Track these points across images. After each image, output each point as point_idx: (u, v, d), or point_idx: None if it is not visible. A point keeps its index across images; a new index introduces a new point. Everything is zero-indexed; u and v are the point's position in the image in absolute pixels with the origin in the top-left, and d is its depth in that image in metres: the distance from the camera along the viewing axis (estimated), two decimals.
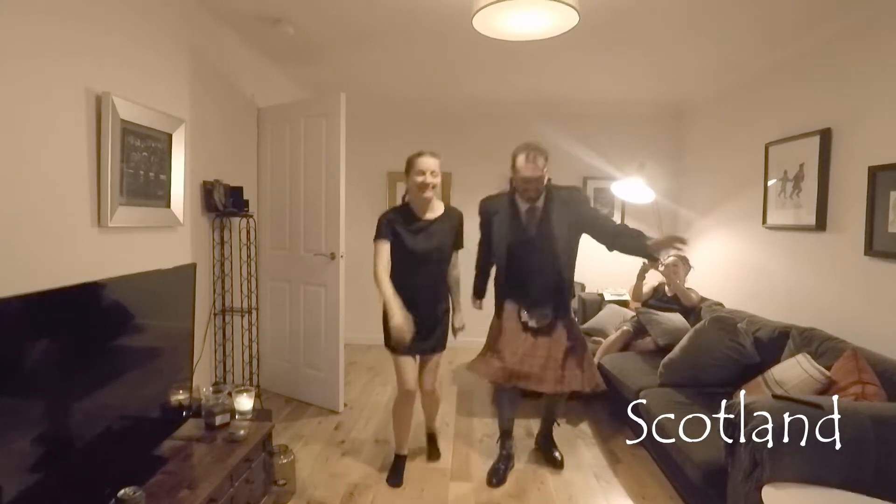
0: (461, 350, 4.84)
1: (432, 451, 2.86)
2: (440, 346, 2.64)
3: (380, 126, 5.15)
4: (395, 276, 2.44)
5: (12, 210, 1.70)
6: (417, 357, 2.61)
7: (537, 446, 2.93)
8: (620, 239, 2.51)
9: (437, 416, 2.91)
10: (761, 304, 3.35)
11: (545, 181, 2.52)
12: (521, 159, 2.49)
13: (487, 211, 2.67)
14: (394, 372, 2.58)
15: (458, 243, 2.61)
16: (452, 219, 2.57)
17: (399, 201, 2.64)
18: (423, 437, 2.93)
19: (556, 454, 2.79)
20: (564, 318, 2.61)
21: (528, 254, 2.56)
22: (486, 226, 2.68)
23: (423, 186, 2.41)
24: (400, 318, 2.32)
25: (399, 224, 2.47)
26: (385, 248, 2.43)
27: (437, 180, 2.45)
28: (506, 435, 2.73)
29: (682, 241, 2.39)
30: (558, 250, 2.54)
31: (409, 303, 2.42)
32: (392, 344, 2.47)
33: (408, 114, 5.10)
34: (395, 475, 2.59)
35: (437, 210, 2.54)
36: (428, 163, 2.42)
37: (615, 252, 2.56)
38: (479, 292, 2.86)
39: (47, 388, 1.44)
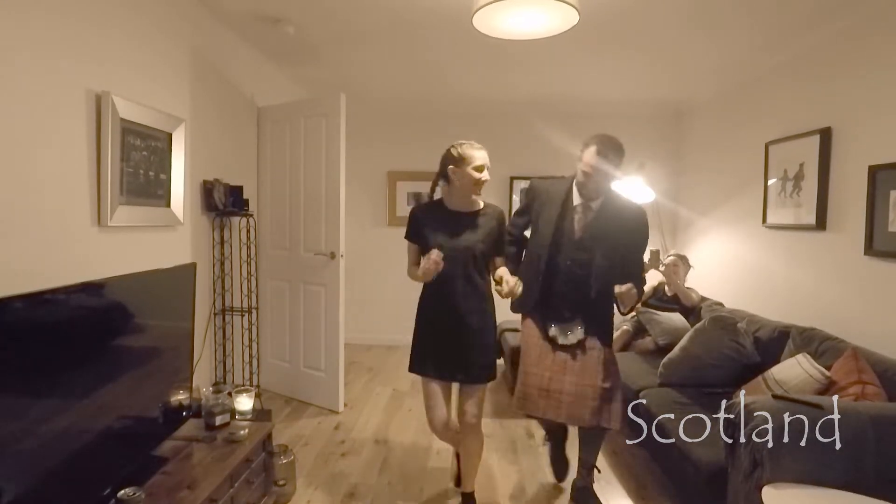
0: None
1: None
2: (483, 374, 2.14)
3: (380, 126, 5.15)
4: (427, 284, 2.15)
5: (12, 209, 1.70)
6: (452, 384, 2.20)
7: (573, 496, 2.42)
8: (623, 268, 2.20)
9: (476, 469, 2.30)
10: (761, 303, 3.35)
11: (610, 181, 2.19)
12: (590, 151, 2.15)
13: (539, 189, 2.34)
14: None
15: (500, 247, 2.22)
16: (496, 216, 2.20)
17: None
18: (426, 436, 2.89)
19: None
20: (602, 341, 2.23)
21: (567, 258, 2.21)
22: (531, 204, 2.35)
23: (480, 183, 2.12)
24: (433, 253, 2.00)
25: (428, 218, 2.18)
26: (412, 248, 2.22)
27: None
28: (550, 432, 2.60)
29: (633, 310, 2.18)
30: (604, 263, 2.18)
31: (441, 309, 2.13)
32: (419, 366, 2.18)
33: (408, 114, 5.10)
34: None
35: (475, 205, 2.21)
36: (485, 157, 2.12)
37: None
38: (512, 260, 2.36)
39: (47, 387, 1.44)
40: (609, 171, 2.14)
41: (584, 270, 2.20)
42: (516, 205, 4.91)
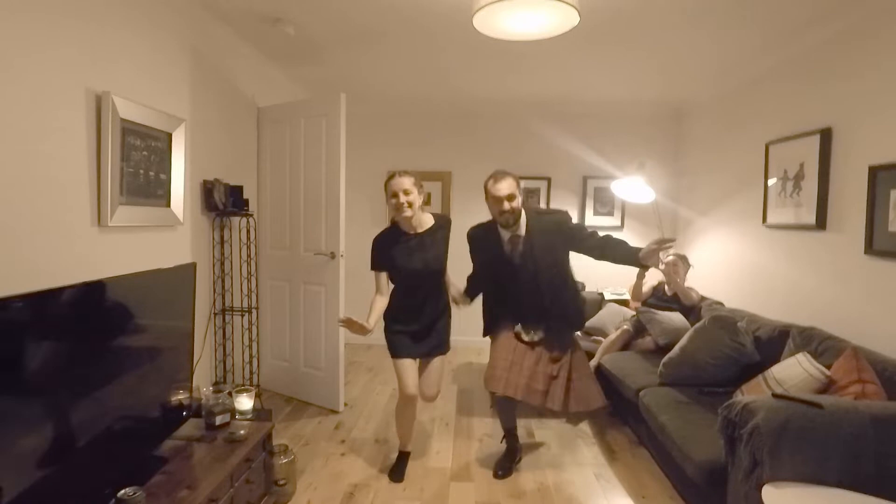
0: (461, 350, 4.85)
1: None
2: (441, 347, 2.62)
3: (380, 126, 5.15)
4: (396, 292, 2.55)
5: (12, 209, 1.70)
6: (418, 360, 2.61)
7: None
8: (607, 250, 2.48)
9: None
10: (761, 303, 3.35)
11: (517, 202, 2.48)
12: (490, 182, 2.50)
13: (474, 238, 2.71)
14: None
15: (443, 260, 2.60)
16: (443, 227, 2.59)
17: None
18: (425, 436, 2.92)
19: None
20: (560, 345, 2.60)
21: (516, 282, 2.58)
22: (473, 253, 2.73)
23: (399, 207, 2.43)
24: (360, 325, 2.38)
25: (391, 245, 2.51)
26: (380, 277, 2.53)
27: (413, 197, 2.43)
28: (510, 432, 2.77)
29: (669, 242, 2.33)
30: (547, 275, 2.54)
31: (413, 315, 2.54)
32: (395, 349, 2.55)
33: (408, 114, 5.10)
34: (398, 472, 2.62)
35: (425, 223, 2.55)
36: (399, 183, 2.42)
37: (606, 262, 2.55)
38: (469, 294, 2.76)
39: (47, 387, 1.44)
40: (513, 190, 2.45)
41: (533, 286, 2.55)
42: None
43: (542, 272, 2.53)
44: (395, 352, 2.56)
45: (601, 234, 2.57)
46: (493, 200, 2.49)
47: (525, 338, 2.60)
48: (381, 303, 2.51)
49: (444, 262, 2.58)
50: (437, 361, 2.62)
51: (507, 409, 2.75)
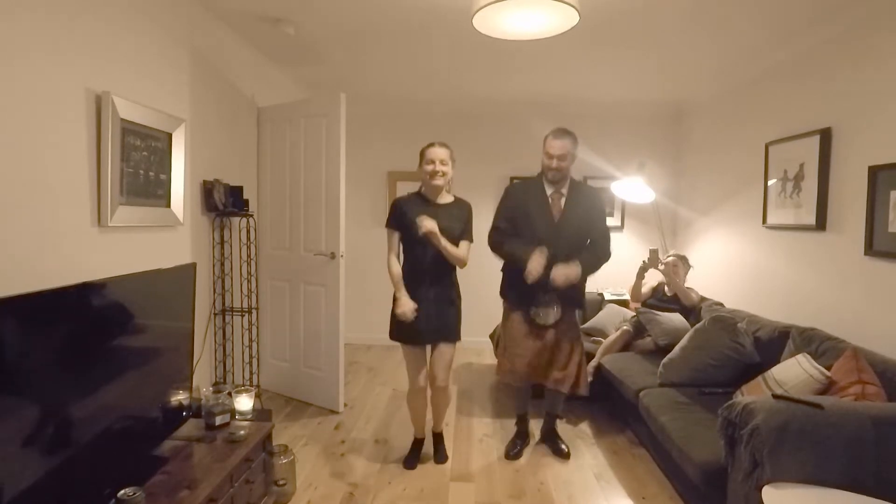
0: (461, 350, 4.84)
1: (439, 453, 2.82)
2: (451, 335, 2.63)
3: (380, 126, 5.15)
4: (405, 260, 2.62)
5: (12, 209, 1.70)
6: (428, 350, 2.64)
7: (542, 441, 2.99)
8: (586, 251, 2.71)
9: (444, 414, 2.87)
10: (761, 304, 3.35)
11: (569, 161, 2.63)
12: (549, 136, 2.66)
13: (514, 190, 2.83)
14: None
15: (467, 233, 2.62)
16: (462, 207, 2.65)
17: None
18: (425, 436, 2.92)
19: (563, 446, 2.87)
20: (569, 318, 2.73)
21: (546, 236, 2.61)
22: (507, 204, 2.78)
23: (433, 174, 2.54)
24: (406, 304, 2.50)
25: (408, 207, 2.58)
26: (393, 236, 2.61)
27: (448, 169, 2.56)
28: (521, 417, 2.96)
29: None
30: (576, 239, 2.67)
31: (417, 286, 2.56)
32: (398, 333, 2.59)
33: (408, 114, 5.10)
34: (411, 459, 2.74)
35: (447, 199, 2.65)
36: (437, 152, 2.55)
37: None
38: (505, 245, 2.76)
39: (47, 388, 1.44)
40: (566, 151, 2.60)
41: (558, 250, 2.59)
42: None
43: (573, 235, 2.66)
44: (397, 335, 2.61)
45: (601, 242, 2.73)
46: (545, 154, 2.65)
47: (540, 322, 2.66)
48: (397, 267, 2.60)
49: (456, 236, 2.57)
50: (445, 348, 2.62)
51: (519, 395, 2.95)
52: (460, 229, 2.59)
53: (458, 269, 2.67)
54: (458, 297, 2.68)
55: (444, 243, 2.49)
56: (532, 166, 4.98)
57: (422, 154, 2.58)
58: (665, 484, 2.57)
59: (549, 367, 2.72)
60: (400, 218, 2.58)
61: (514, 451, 2.85)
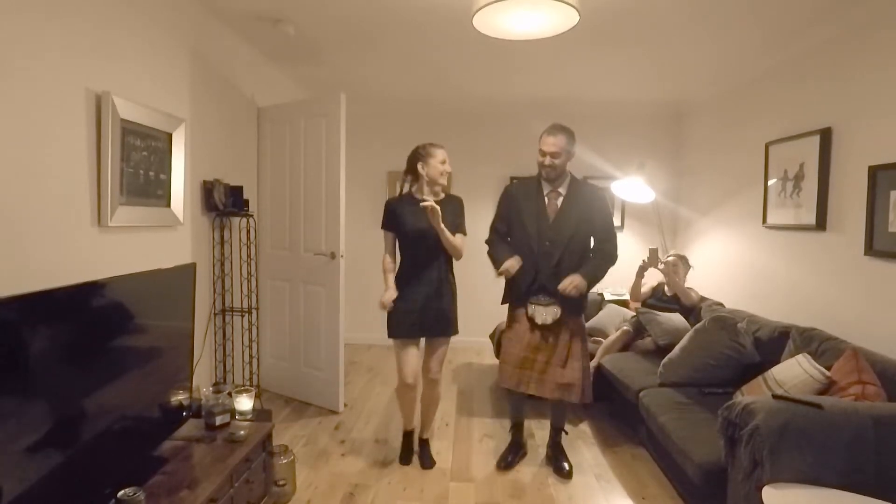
0: (461, 350, 4.85)
1: (424, 457, 2.74)
2: (447, 330, 2.64)
3: (380, 126, 5.15)
4: (401, 258, 2.67)
5: (12, 209, 1.70)
6: (422, 346, 2.65)
7: (548, 454, 2.81)
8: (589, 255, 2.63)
9: (433, 419, 2.87)
10: (761, 304, 3.35)
11: (565, 158, 2.55)
12: (544, 132, 2.58)
13: (511, 191, 2.75)
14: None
15: (460, 227, 2.64)
16: (453, 202, 2.67)
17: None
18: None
19: (564, 464, 2.67)
20: (573, 319, 2.61)
21: (542, 238, 2.56)
22: (504, 206, 2.72)
23: (443, 174, 2.60)
24: (387, 294, 2.57)
25: (400, 207, 2.62)
26: (387, 236, 2.68)
27: (450, 169, 2.65)
28: (516, 426, 2.83)
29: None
30: (574, 242, 2.56)
31: (414, 281, 2.60)
32: (395, 328, 2.60)
33: (408, 114, 5.10)
34: (406, 454, 2.75)
35: (438, 196, 2.67)
36: (444, 154, 2.63)
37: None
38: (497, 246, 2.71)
39: (47, 388, 1.44)
40: (559, 148, 2.51)
41: (557, 249, 2.54)
42: None
43: (570, 234, 2.55)
44: (394, 332, 2.62)
45: (606, 244, 2.61)
46: (539, 151, 2.58)
47: (539, 321, 2.56)
48: (388, 260, 2.67)
49: (451, 231, 2.57)
50: (440, 342, 2.65)
51: (512, 401, 2.83)
52: (454, 224, 2.61)
53: (454, 265, 2.69)
54: (454, 292, 2.69)
55: (443, 228, 2.51)
56: (532, 166, 4.98)
57: (428, 152, 2.58)
58: (665, 484, 2.57)
59: (546, 365, 2.57)
60: (393, 218, 2.62)
61: (504, 462, 2.71)
